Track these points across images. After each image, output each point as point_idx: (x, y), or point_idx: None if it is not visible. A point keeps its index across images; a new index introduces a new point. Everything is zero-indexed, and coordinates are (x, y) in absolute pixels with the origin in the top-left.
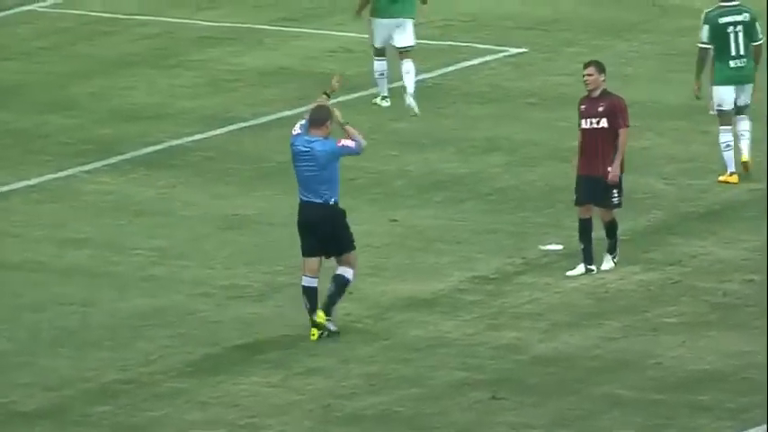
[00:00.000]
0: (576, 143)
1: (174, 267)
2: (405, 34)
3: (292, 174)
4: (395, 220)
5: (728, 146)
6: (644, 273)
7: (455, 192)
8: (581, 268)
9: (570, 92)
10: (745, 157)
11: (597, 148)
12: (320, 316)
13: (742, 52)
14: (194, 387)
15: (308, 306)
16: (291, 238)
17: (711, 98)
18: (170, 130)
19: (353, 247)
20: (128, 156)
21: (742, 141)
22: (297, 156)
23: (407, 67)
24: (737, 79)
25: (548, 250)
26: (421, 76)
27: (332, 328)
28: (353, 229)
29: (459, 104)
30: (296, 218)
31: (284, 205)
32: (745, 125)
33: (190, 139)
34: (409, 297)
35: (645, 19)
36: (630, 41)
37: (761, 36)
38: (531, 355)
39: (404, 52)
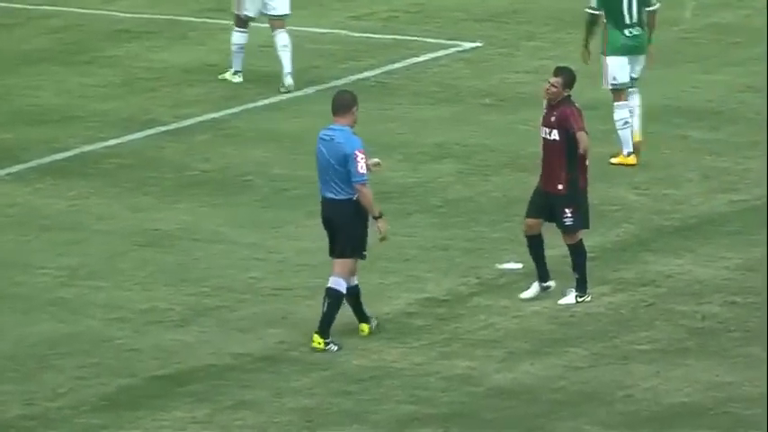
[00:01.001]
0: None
1: (86, 289)
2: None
3: (219, 183)
4: None
5: (626, 123)
6: (613, 294)
7: (401, 204)
8: (535, 287)
9: (530, 91)
10: (637, 136)
11: (549, 161)
12: (315, 340)
13: (636, 20)
14: (109, 423)
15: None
16: (218, 255)
17: (606, 72)
18: (81, 134)
19: (353, 255)
20: (33, 164)
21: (632, 118)
22: (318, 147)
23: (283, 39)
24: (632, 49)
25: (505, 269)
26: (363, 74)
27: (334, 348)
28: (287, 244)
29: (405, 106)
30: (224, 232)
31: (210, 219)
32: (635, 100)
33: (104, 144)
34: (350, 322)
35: None
36: (597, 35)
37: (655, 1)
38: (487, 387)
39: (277, 20)
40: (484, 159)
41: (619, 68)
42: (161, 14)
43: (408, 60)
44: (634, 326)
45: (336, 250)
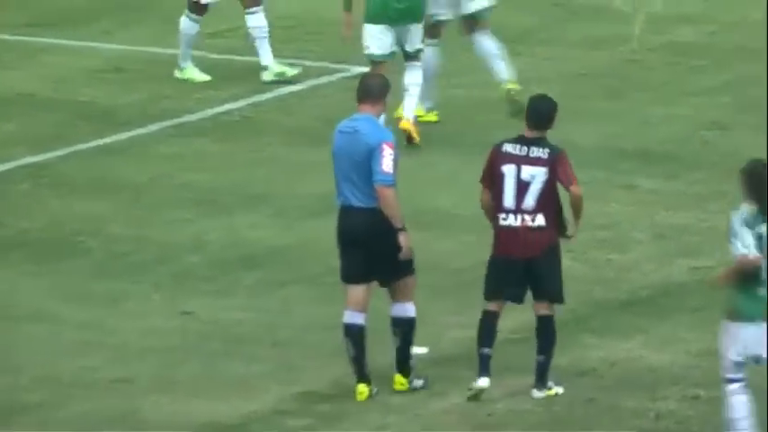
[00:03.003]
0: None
1: None
2: None
3: (42, 246)
4: (187, 313)
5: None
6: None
7: (273, 271)
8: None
9: (439, 129)
10: (408, 122)
11: None
12: (397, 381)
13: None
14: None
15: (350, 352)
16: (40, 337)
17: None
18: None
19: (412, 271)
20: None
21: (406, 98)
22: (336, 142)
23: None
24: (397, 16)
25: None
26: (224, 107)
27: (419, 384)
28: (128, 323)
29: (278, 146)
30: (47, 307)
31: (30, 291)
32: (414, 76)
33: None
34: (209, 422)
35: (544, 24)
36: (523, 56)
37: None
38: None
39: None
40: None
41: (377, 39)
42: None
43: (282, 89)
44: (570, 427)
45: (391, 273)
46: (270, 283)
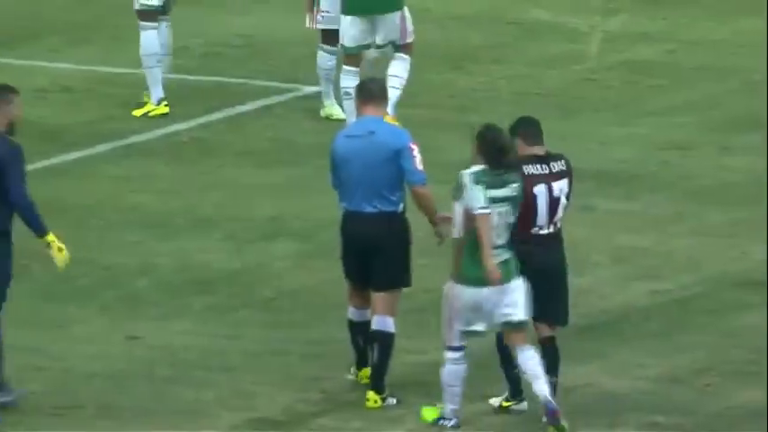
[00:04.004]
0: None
1: None
2: None
3: None
4: (136, 338)
5: (348, 94)
6: (499, 415)
7: (223, 296)
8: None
9: None
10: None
11: None
12: (371, 399)
13: None
14: None
15: (359, 346)
16: None
17: (341, 32)
18: None
19: (406, 284)
20: None
21: (390, 91)
22: (345, 147)
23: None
24: (372, 6)
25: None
26: (173, 127)
27: (392, 402)
28: (75, 348)
29: (229, 168)
30: None
31: None
32: (398, 67)
33: None
34: None
35: (497, 42)
36: (475, 75)
37: None
38: None
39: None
40: (330, 238)
41: (352, 32)
42: None
43: (232, 109)
44: None
45: (382, 281)
46: (220, 308)
